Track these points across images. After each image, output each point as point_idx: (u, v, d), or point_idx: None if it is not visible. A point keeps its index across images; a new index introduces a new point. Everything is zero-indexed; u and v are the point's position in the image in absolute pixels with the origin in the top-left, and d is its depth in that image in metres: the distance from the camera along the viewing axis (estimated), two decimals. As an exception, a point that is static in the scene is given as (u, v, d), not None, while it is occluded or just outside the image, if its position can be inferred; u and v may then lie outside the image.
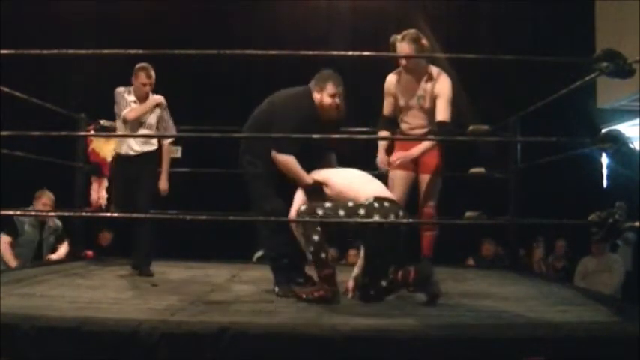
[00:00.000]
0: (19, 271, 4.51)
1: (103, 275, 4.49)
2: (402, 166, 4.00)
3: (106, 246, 6.77)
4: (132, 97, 4.70)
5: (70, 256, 5.60)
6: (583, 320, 3.05)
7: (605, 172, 7.94)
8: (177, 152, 6.29)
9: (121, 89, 4.71)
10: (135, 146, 4.71)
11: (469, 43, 7.01)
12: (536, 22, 7.62)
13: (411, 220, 3.83)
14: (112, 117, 5.40)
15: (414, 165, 4.04)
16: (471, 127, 5.08)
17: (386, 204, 3.42)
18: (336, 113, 3.73)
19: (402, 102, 4.06)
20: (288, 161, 3.60)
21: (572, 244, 6.76)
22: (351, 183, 3.57)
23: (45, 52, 3.45)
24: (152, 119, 4.73)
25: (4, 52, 3.32)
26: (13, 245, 5.45)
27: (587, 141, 3.42)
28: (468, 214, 4.82)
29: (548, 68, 6.13)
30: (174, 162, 6.25)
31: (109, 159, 5.45)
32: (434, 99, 3.93)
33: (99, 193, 5.49)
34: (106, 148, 5.42)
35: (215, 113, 6.80)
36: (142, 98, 4.70)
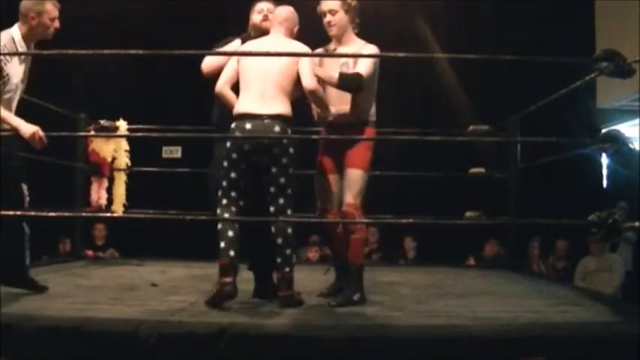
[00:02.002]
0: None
1: (103, 275, 4.49)
2: (325, 169, 3.61)
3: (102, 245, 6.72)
4: (22, 47, 3.40)
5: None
6: (583, 320, 3.05)
7: (605, 172, 7.93)
8: (178, 152, 6.29)
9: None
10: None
11: (469, 43, 7.01)
12: (536, 22, 7.62)
13: (411, 220, 3.82)
14: (112, 117, 5.41)
15: (339, 160, 3.55)
16: (470, 127, 5.08)
17: (236, 128, 3.32)
18: (268, 24, 3.76)
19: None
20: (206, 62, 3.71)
21: (573, 245, 6.75)
22: (240, 93, 3.42)
23: (45, 52, 3.45)
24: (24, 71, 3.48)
25: (4, 52, 3.32)
26: None
27: (587, 141, 3.42)
28: (468, 214, 4.82)
29: (548, 68, 6.12)
30: (174, 162, 6.26)
31: (109, 159, 5.45)
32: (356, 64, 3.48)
33: (99, 193, 5.49)
34: (106, 148, 5.42)
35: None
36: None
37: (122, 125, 5.40)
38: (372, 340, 2.66)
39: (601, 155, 6.46)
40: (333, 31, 3.58)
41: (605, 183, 7.95)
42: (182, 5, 7.56)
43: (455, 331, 2.75)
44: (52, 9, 3.41)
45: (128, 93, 7.22)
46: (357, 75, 3.43)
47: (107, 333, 2.65)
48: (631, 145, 3.22)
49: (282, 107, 3.35)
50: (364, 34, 3.76)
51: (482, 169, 5.52)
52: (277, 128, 3.28)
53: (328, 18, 3.57)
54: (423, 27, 7.37)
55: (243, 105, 3.36)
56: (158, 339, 2.61)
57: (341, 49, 3.60)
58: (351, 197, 3.44)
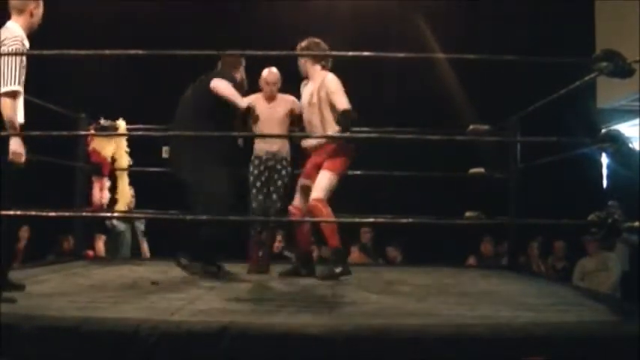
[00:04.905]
0: (19, 271, 4.50)
1: (103, 275, 4.49)
2: (306, 176, 4.42)
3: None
4: (26, 40, 3.45)
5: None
6: (583, 320, 3.05)
7: (605, 172, 7.93)
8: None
9: (19, 36, 3.37)
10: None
11: (469, 43, 7.01)
12: (536, 22, 7.62)
13: (411, 220, 3.82)
14: (112, 116, 5.41)
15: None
16: (471, 127, 5.08)
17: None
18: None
19: None
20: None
21: (573, 245, 6.76)
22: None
23: (45, 52, 3.45)
24: None
25: (4, 52, 3.32)
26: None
27: (587, 141, 3.42)
28: (468, 214, 4.82)
29: (548, 68, 6.12)
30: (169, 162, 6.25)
31: (110, 159, 5.45)
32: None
33: (100, 192, 5.49)
34: (106, 148, 5.42)
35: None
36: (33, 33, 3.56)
37: (122, 125, 5.40)
38: (372, 340, 2.66)
39: (601, 155, 6.48)
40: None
41: (605, 183, 7.95)
42: (182, 5, 7.57)
43: (455, 331, 2.75)
44: (42, 7, 3.55)
45: (128, 93, 7.22)
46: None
47: (107, 333, 2.65)
48: (631, 145, 3.22)
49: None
50: (365, 34, 3.78)
51: (482, 169, 5.52)
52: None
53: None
54: (423, 26, 7.38)
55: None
56: (158, 339, 2.61)
57: (310, 84, 4.45)
58: (313, 192, 4.21)
